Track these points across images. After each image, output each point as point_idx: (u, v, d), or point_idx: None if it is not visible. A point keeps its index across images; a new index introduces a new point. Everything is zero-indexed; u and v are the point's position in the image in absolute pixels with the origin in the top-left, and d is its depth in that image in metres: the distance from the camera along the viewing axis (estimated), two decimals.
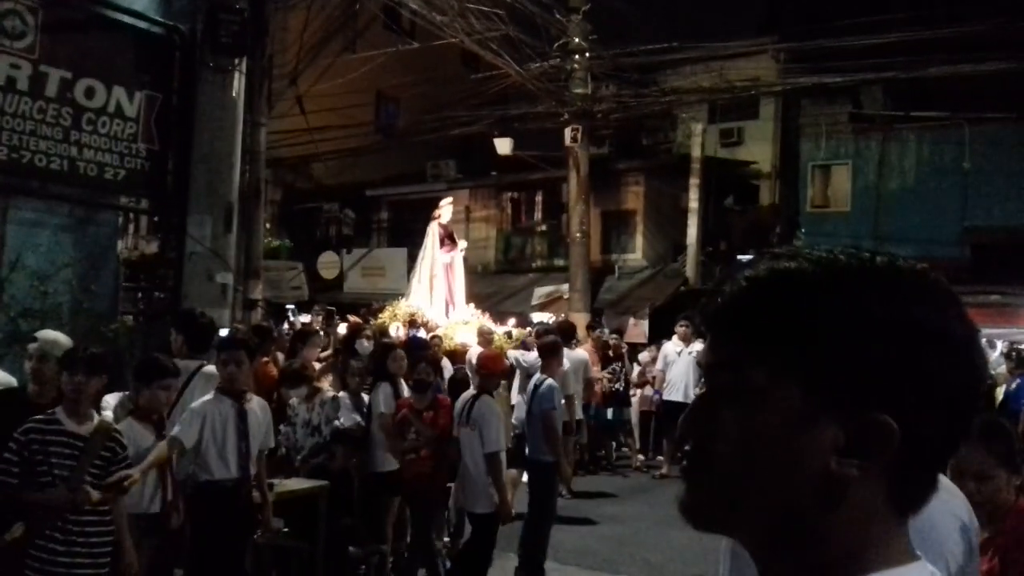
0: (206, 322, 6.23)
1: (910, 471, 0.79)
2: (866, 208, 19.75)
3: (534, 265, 21.72)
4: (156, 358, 5.14)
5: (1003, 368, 11.31)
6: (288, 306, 11.33)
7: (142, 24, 8.33)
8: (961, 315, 0.81)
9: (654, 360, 13.05)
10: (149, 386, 4.79)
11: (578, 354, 10.52)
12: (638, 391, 13.07)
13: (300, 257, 20.75)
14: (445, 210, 13.27)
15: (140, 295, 9.37)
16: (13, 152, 7.39)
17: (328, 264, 21.83)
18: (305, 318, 14.01)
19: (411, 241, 18.20)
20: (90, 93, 7.88)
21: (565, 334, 10.09)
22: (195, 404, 5.23)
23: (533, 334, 10.65)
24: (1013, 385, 10.76)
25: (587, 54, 15.96)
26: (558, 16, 14.83)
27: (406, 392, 6.73)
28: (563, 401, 7.95)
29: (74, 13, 8.00)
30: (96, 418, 4.45)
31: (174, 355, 5.88)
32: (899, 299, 0.79)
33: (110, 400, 5.53)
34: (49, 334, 5.34)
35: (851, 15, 15.14)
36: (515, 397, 9.53)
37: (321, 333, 9.44)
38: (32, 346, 5.12)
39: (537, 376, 7.57)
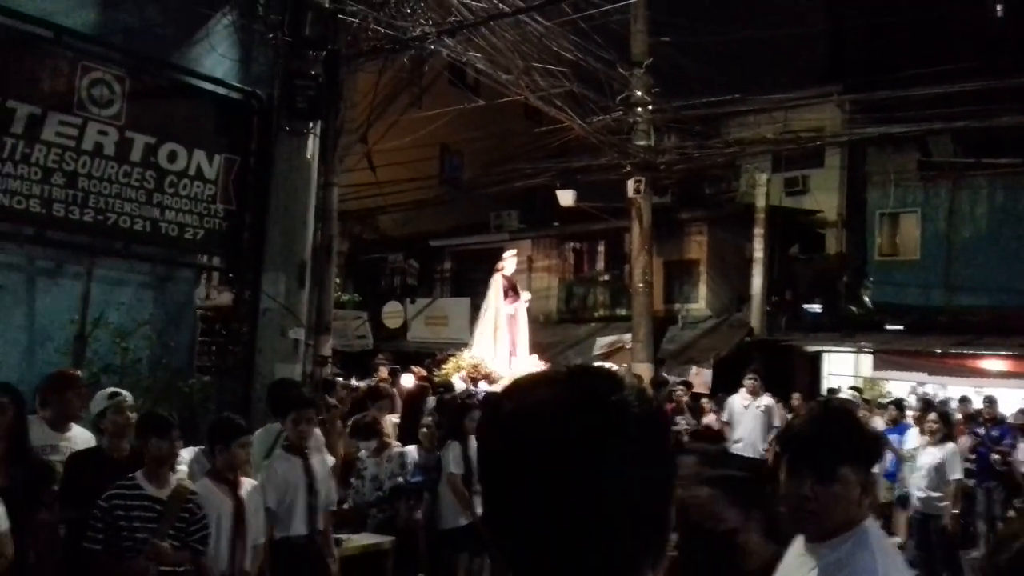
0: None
1: None
2: (936, 256, 19.32)
3: (596, 315, 21.66)
4: (230, 418, 5.26)
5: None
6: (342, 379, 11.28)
7: (222, 90, 8.68)
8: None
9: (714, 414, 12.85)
10: (229, 447, 4.86)
11: None
12: None
13: (365, 306, 21.13)
14: (509, 262, 13.36)
15: (214, 348, 9.61)
16: (99, 214, 7.70)
17: (392, 314, 22.16)
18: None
19: (474, 291, 18.38)
20: (172, 157, 8.20)
21: None
22: (269, 468, 5.38)
23: None
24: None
25: (649, 107, 16.07)
26: (621, 70, 14.98)
27: (474, 451, 6.80)
28: None
29: (158, 81, 8.36)
30: (173, 481, 4.59)
31: None
32: None
33: (185, 455, 5.67)
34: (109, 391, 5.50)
35: (915, 62, 14.99)
36: None
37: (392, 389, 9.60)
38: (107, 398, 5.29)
39: None
